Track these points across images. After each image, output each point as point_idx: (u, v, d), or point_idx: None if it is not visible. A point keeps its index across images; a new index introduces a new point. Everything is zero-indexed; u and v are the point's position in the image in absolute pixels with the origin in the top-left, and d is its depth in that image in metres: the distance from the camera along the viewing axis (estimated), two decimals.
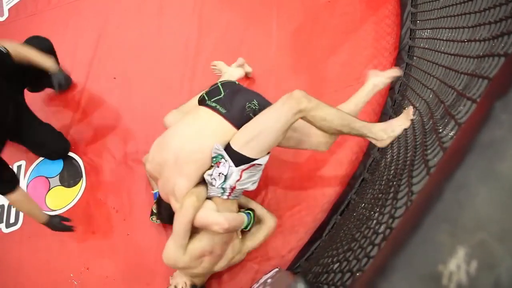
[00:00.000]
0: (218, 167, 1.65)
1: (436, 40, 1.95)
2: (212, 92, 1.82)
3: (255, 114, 1.66)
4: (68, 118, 2.69)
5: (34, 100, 2.67)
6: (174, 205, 1.80)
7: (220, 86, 1.83)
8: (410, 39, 2.35)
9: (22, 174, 2.59)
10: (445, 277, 0.46)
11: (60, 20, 3.05)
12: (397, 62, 2.40)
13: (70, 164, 2.57)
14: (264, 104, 1.72)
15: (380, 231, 1.16)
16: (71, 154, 2.59)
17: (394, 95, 2.28)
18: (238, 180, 1.65)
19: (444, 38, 1.79)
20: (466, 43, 1.52)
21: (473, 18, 1.46)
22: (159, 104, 2.62)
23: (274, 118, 1.55)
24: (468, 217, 0.49)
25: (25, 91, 2.49)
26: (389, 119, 2.24)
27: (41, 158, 2.62)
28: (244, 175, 1.65)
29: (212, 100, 1.77)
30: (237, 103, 1.72)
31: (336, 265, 1.35)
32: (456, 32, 1.66)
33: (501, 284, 0.46)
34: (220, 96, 1.77)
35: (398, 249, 0.49)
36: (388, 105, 2.30)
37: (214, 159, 1.67)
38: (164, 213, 2.04)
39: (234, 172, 1.62)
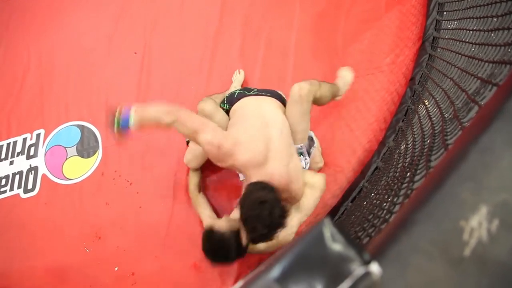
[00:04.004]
0: None
1: (461, 30, 1.92)
2: (246, 89, 2.09)
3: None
4: (88, 91, 2.73)
5: None
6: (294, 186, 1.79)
7: (246, 88, 2.15)
8: (435, 30, 2.32)
9: (41, 142, 2.64)
10: (466, 232, 0.47)
11: None
12: (419, 53, 2.37)
13: (87, 135, 2.61)
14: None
15: (394, 210, 1.17)
16: (89, 125, 2.63)
17: (414, 85, 2.26)
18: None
19: (471, 28, 1.77)
20: (492, 32, 1.50)
21: (504, 6, 1.44)
22: (177, 82, 2.63)
23: (307, 114, 1.90)
24: (493, 178, 0.50)
25: None
26: (407, 110, 2.24)
27: (60, 127, 2.66)
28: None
29: (251, 92, 2.04)
30: (269, 91, 2.06)
31: None
32: (483, 22, 1.64)
33: None
34: (255, 90, 2.06)
35: (420, 204, 0.50)
36: (407, 95, 2.27)
37: None
38: None
39: (308, 160, 2.02)
